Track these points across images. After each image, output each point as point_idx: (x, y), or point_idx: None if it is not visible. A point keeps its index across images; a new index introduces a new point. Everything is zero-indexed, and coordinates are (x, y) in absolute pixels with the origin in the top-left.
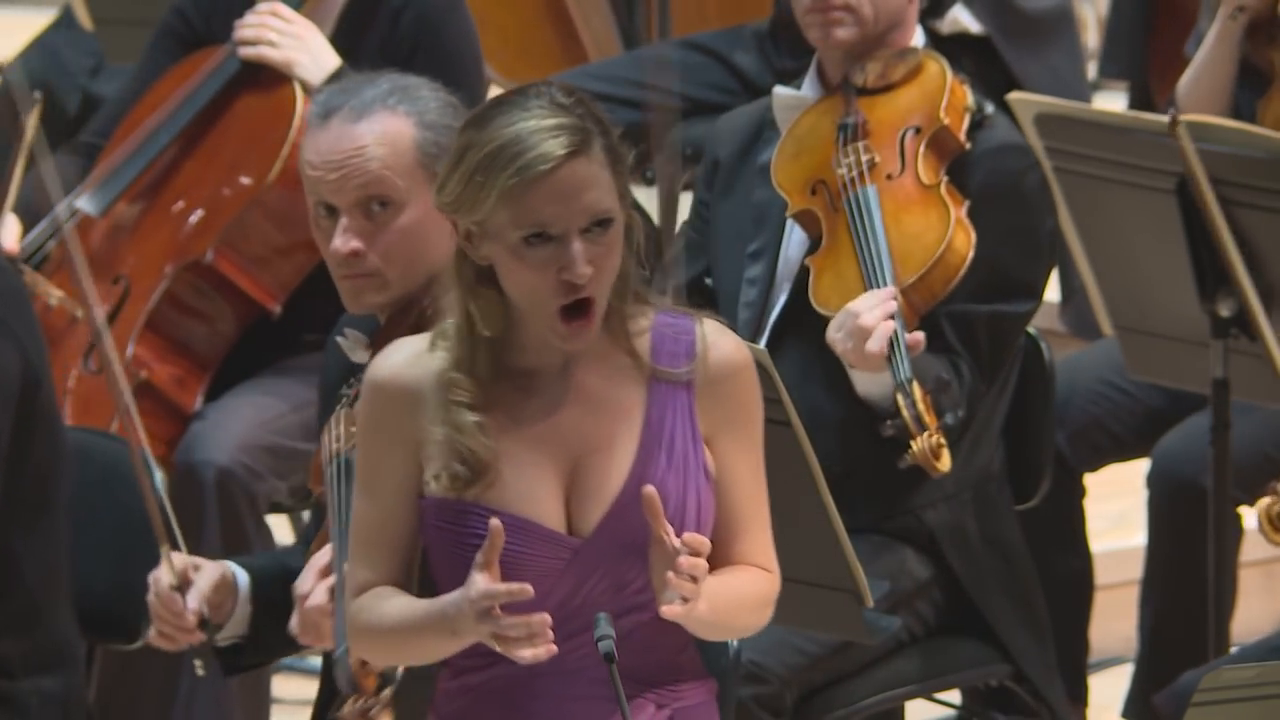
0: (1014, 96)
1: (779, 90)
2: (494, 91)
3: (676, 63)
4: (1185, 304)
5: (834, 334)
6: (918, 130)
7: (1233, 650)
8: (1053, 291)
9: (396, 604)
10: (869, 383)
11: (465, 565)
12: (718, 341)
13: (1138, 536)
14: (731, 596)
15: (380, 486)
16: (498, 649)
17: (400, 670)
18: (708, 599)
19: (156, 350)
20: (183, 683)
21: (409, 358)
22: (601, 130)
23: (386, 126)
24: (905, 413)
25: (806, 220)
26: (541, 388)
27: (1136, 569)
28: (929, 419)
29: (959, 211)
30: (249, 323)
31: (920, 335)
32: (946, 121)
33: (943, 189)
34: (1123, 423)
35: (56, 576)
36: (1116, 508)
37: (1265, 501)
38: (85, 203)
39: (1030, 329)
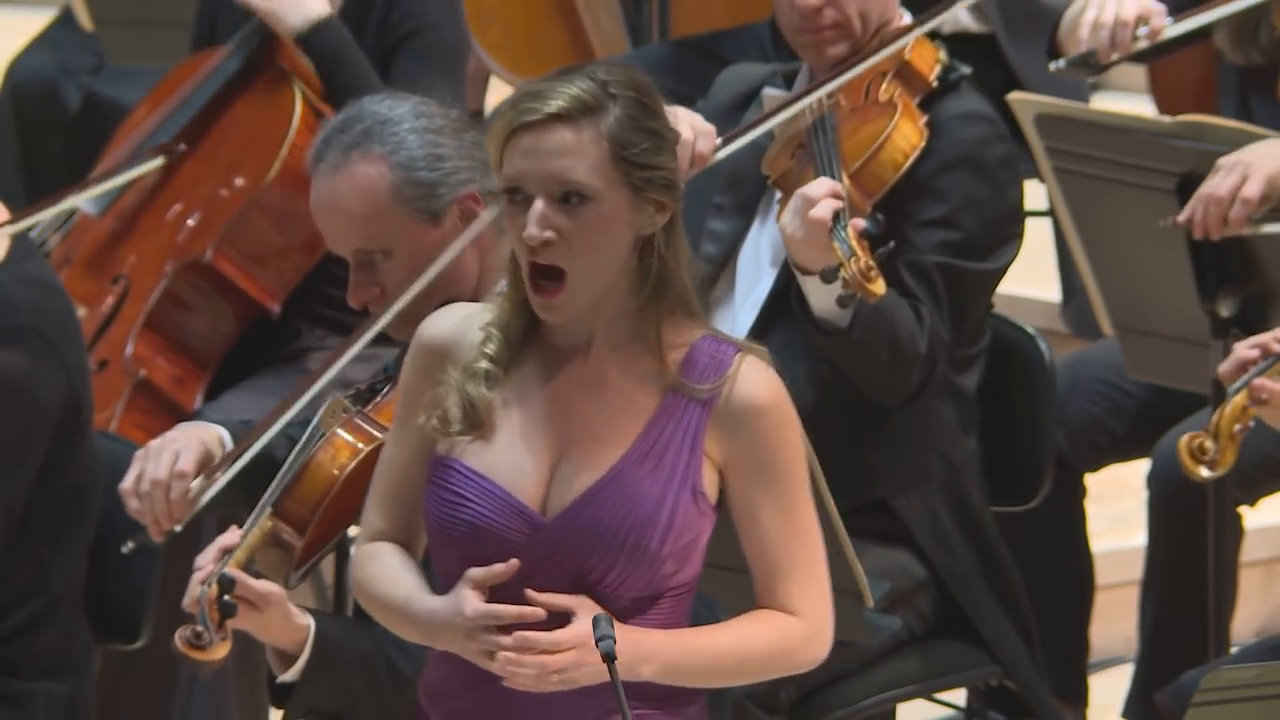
0: (1014, 97)
1: (769, 91)
2: (499, 87)
3: (673, 62)
4: (1185, 304)
5: (784, 219)
6: (883, 75)
7: (1233, 650)
8: (1053, 291)
9: (386, 575)
10: (820, 294)
11: (438, 522)
12: (750, 376)
13: (1138, 536)
14: (715, 650)
15: (406, 437)
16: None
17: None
18: (656, 662)
19: (156, 349)
20: (181, 683)
21: (460, 318)
22: (620, 116)
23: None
24: (852, 267)
25: (786, 182)
26: (560, 367)
27: (1136, 569)
28: (864, 256)
29: (911, 108)
30: (249, 322)
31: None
32: (910, 58)
33: (897, 97)
34: (1123, 423)
35: (77, 584)
36: (1116, 508)
37: (1186, 437)
38: (85, 202)
39: (1030, 329)
